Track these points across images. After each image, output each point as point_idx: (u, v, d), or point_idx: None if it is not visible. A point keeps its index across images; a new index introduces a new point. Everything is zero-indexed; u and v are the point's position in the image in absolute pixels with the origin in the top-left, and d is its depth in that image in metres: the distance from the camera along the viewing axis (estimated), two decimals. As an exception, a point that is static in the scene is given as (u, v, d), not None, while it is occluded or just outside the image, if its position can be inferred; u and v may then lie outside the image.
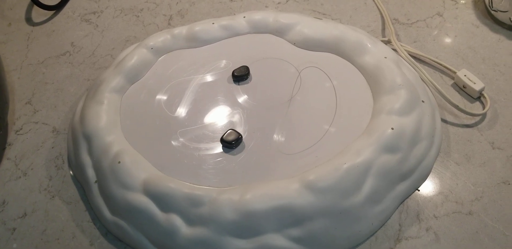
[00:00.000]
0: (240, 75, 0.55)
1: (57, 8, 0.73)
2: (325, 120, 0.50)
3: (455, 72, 0.55)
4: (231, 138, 0.50)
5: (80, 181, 0.54)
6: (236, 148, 0.50)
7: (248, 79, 0.55)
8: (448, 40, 0.60)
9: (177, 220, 0.45)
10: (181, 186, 0.46)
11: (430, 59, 0.57)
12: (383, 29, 0.62)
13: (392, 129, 0.47)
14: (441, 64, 0.56)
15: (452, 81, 0.56)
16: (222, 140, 0.50)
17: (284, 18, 0.58)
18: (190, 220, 0.45)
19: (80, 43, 0.68)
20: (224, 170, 0.48)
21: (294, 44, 0.57)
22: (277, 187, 0.45)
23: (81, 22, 0.71)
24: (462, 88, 0.55)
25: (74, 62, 0.66)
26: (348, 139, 0.48)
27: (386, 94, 0.50)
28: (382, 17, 0.63)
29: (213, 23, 0.59)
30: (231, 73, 0.55)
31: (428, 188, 0.49)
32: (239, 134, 0.50)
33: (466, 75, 0.54)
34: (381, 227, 0.47)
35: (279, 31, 0.58)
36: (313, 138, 0.49)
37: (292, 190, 0.44)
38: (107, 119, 0.52)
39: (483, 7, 0.62)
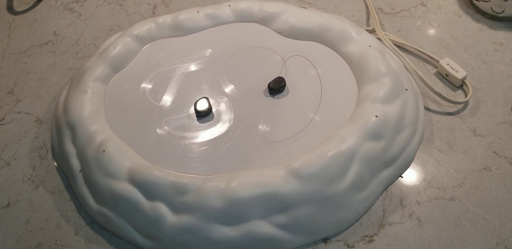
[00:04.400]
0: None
1: (39, -3, 0.72)
2: (310, 108, 0.50)
3: (438, 61, 0.55)
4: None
5: (64, 171, 0.54)
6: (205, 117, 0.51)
7: (235, 68, 0.55)
8: (431, 29, 0.60)
9: (162, 208, 0.46)
10: (167, 174, 0.46)
11: (414, 48, 0.58)
12: (368, 18, 0.62)
13: (376, 116, 0.47)
14: (424, 53, 0.57)
15: (435, 70, 0.56)
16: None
17: (270, 7, 0.58)
18: (175, 208, 0.45)
19: (63, 32, 0.68)
20: (209, 158, 0.48)
21: (280, 33, 0.57)
22: (262, 175, 0.45)
23: (64, 11, 0.70)
24: (445, 77, 0.55)
25: (57, 52, 0.65)
26: (333, 127, 0.48)
27: (371, 82, 0.50)
28: (366, 6, 0.63)
29: (198, 12, 0.59)
30: (217, 62, 0.55)
31: (411, 174, 0.50)
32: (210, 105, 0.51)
33: (449, 64, 0.54)
34: (365, 213, 0.48)
35: (264, 20, 0.58)
36: (298, 126, 0.49)
37: (278, 177, 0.45)
38: (91, 108, 0.52)
39: (466, -3, 0.62)
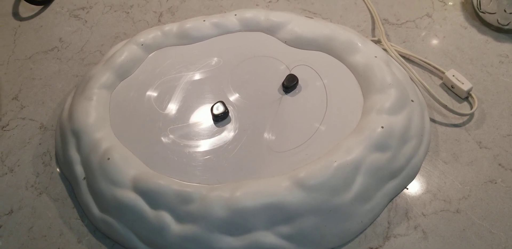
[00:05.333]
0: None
1: (45, 3, 0.72)
2: (315, 118, 0.50)
3: (443, 72, 0.55)
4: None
5: (68, 178, 0.53)
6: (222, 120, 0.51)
7: (241, 77, 0.55)
8: (436, 40, 0.60)
9: (166, 217, 0.45)
10: (171, 182, 0.46)
11: (419, 59, 0.58)
12: (373, 29, 0.62)
13: (382, 127, 0.47)
14: (430, 64, 0.57)
15: (440, 81, 0.56)
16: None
17: (276, 16, 0.58)
18: (179, 217, 0.45)
19: (69, 39, 0.68)
20: (214, 167, 0.48)
21: (285, 42, 0.57)
22: (267, 185, 0.45)
23: (70, 17, 0.70)
24: (450, 88, 0.55)
25: (62, 58, 0.65)
26: (338, 137, 0.48)
27: (376, 93, 0.50)
28: (372, 17, 0.63)
29: (204, 21, 0.59)
30: (222, 71, 0.55)
31: (416, 186, 0.49)
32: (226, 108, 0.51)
33: (454, 76, 0.54)
34: (370, 224, 0.47)
35: (270, 30, 0.58)
36: (304, 136, 0.49)
37: (283, 187, 0.44)
38: (96, 115, 0.52)
39: (471, 9, 0.62)
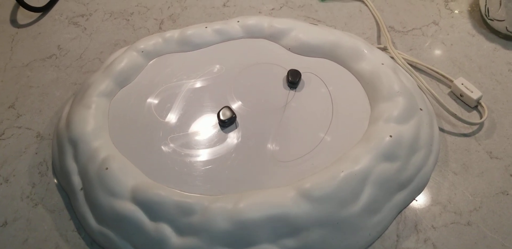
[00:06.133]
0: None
1: (44, 10, 0.71)
2: (321, 127, 0.49)
3: (452, 81, 0.54)
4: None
5: (64, 189, 0.52)
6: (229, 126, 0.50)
7: (244, 85, 0.54)
8: (444, 48, 0.59)
9: (166, 230, 0.44)
10: (171, 193, 0.45)
11: (427, 67, 0.56)
12: (379, 36, 0.61)
13: (391, 136, 0.46)
14: (438, 73, 0.56)
15: (448, 90, 0.55)
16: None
17: (279, 23, 0.57)
18: (180, 230, 0.44)
19: (67, 46, 0.66)
20: (216, 177, 0.47)
21: (289, 49, 0.56)
22: (272, 196, 0.43)
23: (69, 24, 0.69)
24: (459, 97, 0.54)
25: (60, 66, 0.64)
26: (345, 147, 0.47)
27: (384, 101, 0.49)
28: (377, 24, 0.62)
29: (206, 27, 0.58)
30: (225, 79, 0.54)
31: (426, 198, 0.48)
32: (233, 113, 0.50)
33: (463, 84, 0.53)
34: (378, 237, 0.46)
35: (273, 36, 0.57)
36: (309, 145, 0.48)
37: (288, 198, 0.43)
38: (94, 124, 0.51)
39: (479, 16, 0.61)
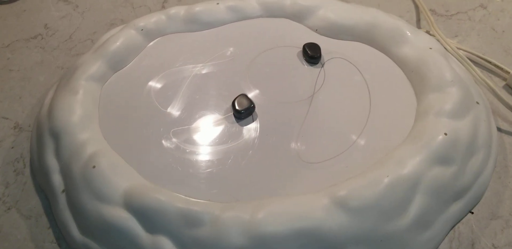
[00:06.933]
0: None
1: (31, -15, 0.65)
2: (356, 122, 0.42)
3: (508, 72, 0.47)
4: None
5: (44, 190, 0.46)
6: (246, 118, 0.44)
7: (261, 71, 0.48)
8: (495, 35, 0.53)
9: (166, 244, 0.38)
10: (173, 199, 0.38)
11: (478, 56, 0.49)
12: (418, 20, 0.55)
13: (446, 134, 0.38)
14: (491, 63, 0.49)
15: (503, 83, 0.49)
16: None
17: (304, 0, 0.51)
18: (183, 245, 0.38)
19: (56, 25, 0.61)
20: (229, 180, 0.40)
21: (316, 31, 0.50)
22: (298, 204, 0.37)
23: (58, 1, 0.64)
24: (516, 91, 0.47)
25: (46, 47, 0.59)
26: (386, 146, 0.40)
27: (433, 92, 0.42)
28: (416, 6, 0.56)
29: (218, 3, 0.52)
30: (239, 64, 0.48)
31: (483, 210, 0.41)
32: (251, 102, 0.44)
33: (522, 76, 0.46)
34: (428, 258, 0.38)
35: (297, 16, 0.51)
36: (342, 143, 0.41)
37: (319, 208, 0.36)
38: (81, 112, 0.45)
39: (532, 0, 0.54)
